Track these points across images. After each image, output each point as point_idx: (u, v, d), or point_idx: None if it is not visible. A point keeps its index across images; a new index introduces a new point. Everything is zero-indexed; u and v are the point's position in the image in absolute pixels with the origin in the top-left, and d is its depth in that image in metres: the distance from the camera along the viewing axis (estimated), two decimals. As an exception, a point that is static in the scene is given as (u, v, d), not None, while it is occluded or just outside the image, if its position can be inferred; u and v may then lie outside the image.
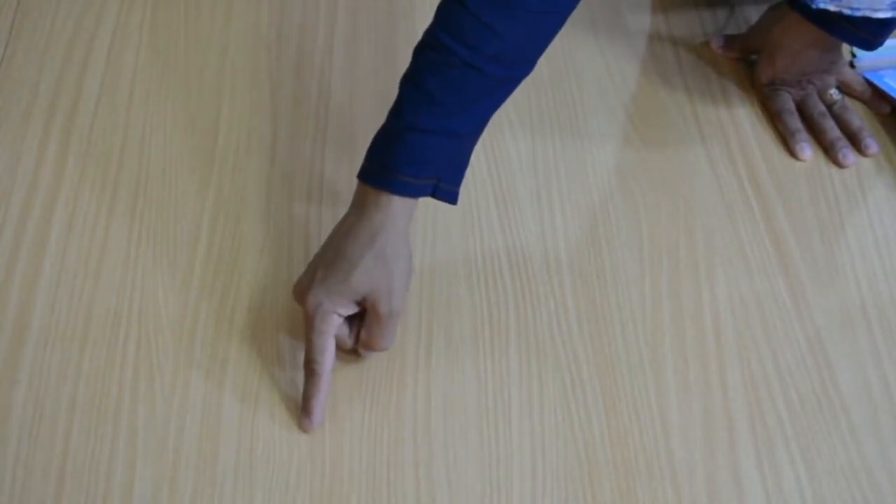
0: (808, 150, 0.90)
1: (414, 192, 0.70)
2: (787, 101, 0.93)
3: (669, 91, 0.95)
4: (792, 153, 0.91)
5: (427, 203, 0.84)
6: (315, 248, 0.81)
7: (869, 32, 0.85)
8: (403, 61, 0.90)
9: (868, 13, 0.81)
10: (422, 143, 0.69)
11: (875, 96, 0.95)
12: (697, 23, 1.02)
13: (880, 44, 0.87)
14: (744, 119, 0.94)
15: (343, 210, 0.83)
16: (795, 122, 0.92)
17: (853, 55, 1.00)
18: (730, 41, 0.99)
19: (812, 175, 0.89)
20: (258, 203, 0.84)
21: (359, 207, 0.71)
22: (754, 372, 0.76)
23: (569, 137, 0.90)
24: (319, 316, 0.69)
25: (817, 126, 0.92)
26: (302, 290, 0.71)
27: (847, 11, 0.81)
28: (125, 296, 0.77)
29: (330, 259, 0.70)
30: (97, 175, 0.85)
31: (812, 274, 0.82)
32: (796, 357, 0.77)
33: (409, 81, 0.71)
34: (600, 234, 0.84)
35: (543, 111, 0.92)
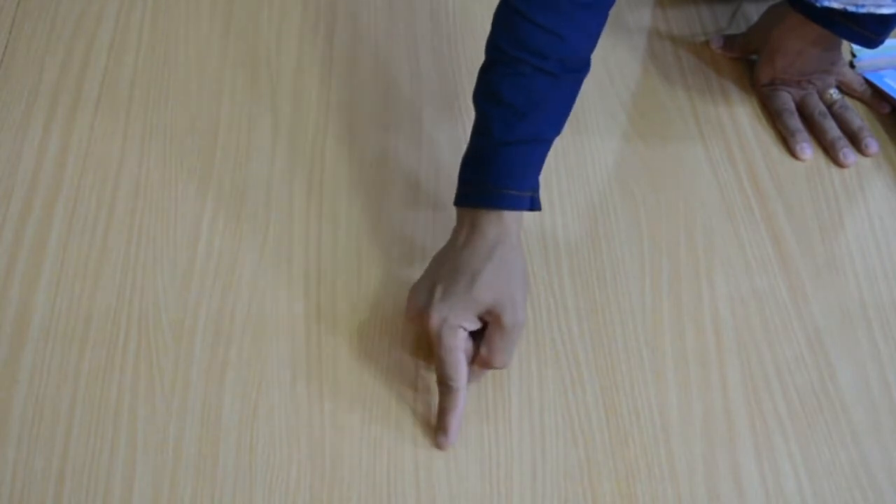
0: (808, 150, 0.90)
1: (520, 205, 0.71)
2: (787, 101, 0.93)
3: (669, 91, 0.95)
4: (792, 153, 0.91)
5: (427, 203, 0.84)
6: (315, 247, 0.81)
7: (871, 30, 0.85)
8: (403, 61, 0.90)
9: (872, 9, 0.80)
10: (519, 155, 0.71)
11: (875, 96, 0.95)
12: (697, 22, 1.02)
13: (881, 42, 0.87)
14: (744, 119, 0.94)
15: (342, 209, 0.84)
16: (795, 122, 0.92)
17: (853, 55, 1.00)
18: (729, 41, 0.99)
19: (812, 175, 0.89)
20: (259, 203, 0.84)
21: (469, 227, 0.71)
22: (754, 372, 0.76)
23: (569, 137, 0.89)
24: (446, 332, 0.68)
25: (817, 126, 0.92)
26: (420, 310, 0.70)
27: (851, 8, 0.81)
28: (125, 296, 0.77)
29: (447, 275, 0.70)
30: (97, 175, 0.85)
31: (812, 273, 0.82)
32: (796, 357, 0.77)
33: (488, 98, 0.72)
34: (600, 234, 0.84)
35: (543, 111, 0.92)
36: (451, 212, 0.84)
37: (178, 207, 0.83)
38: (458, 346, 0.69)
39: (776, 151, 0.91)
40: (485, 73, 0.74)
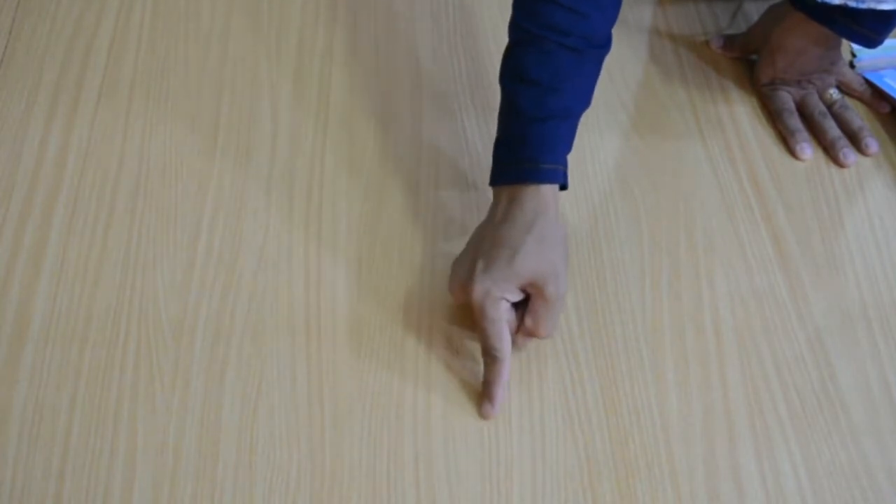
0: (808, 150, 0.90)
1: (556, 178, 0.73)
2: (787, 101, 0.93)
3: (669, 90, 0.95)
4: (792, 153, 0.91)
5: (427, 203, 0.85)
6: (314, 247, 0.81)
7: (871, 28, 0.85)
8: (403, 61, 0.90)
9: (873, 4, 0.80)
10: (551, 129, 0.74)
11: (875, 96, 0.95)
12: (697, 21, 1.02)
13: (881, 41, 0.87)
14: (744, 118, 0.94)
15: (341, 209, 0.84)
16: (795, 122, 0.92)
17: (853, 55, 1.00)
18: (729, 41, 0.99)
19: (812, 175, 0.89)
20: (258, 203, 0.84)
21: (507, 202, 0.73)
22: (754, 371, 0.76)
23: (569, 137, 0.89)
24: (490, 304, 0.70)
25: (817, 126, 0.92)
26: (463, 283, 0.72)
27: (852, 4, 0.81)
28: (125, 296, 0.77)
29: (488, 249, 0.71)
30: (97, 175, 0.85)
31: (812, 273, 0.82)
32: (796, 356, 0.77)
33: (514, 78, 0.75)
34: (600, 233, 0.84)
35: (543, 111, 0.92)
36: (451, 212, 0.84)
37: (178, 207, 0.83)
38: (501, 318, 0.70)
39: (776, 151, 0.91)
40: (509, 54, 0.76)
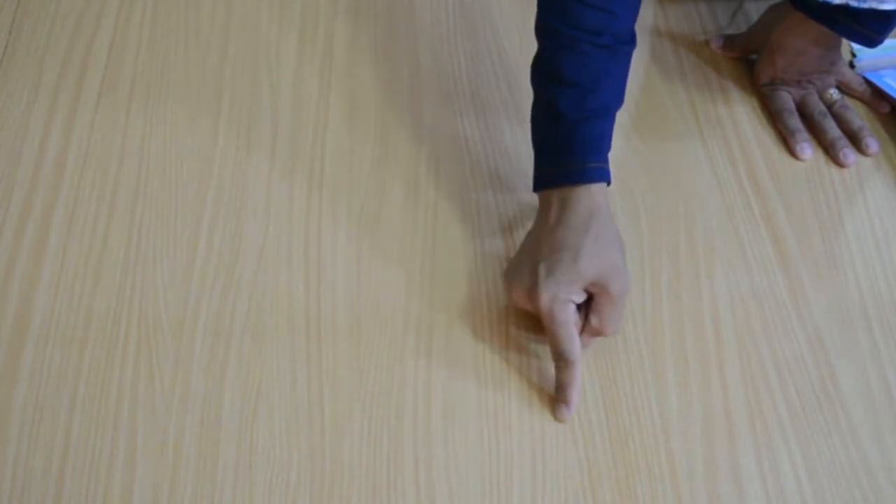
0: (808, 150, 0.90)
1: (604, 176, 0.74)
2: (787, 101, 0.93)
3: (669, 90, 0.95)
4: (792, 153, 0.91)
5: (426, 203, 0.84)
6: (315, 247, 0.81)
7: (871, 28, 0.85)
8: (403, 61, 0.90)
9: (874, 4, 0.80)
10: (594, 129, 0.75)
11: (875, 96, 0.95)
12: (697, 21, 1.02)
13: (881, 41, 0.87)
14: (744, 118, 0.94)
15: (341, 210, 0.84)
16: (795, 122, 0.92)
17: (853, 55, 1.00)
18: (729, 41, 0.99)
19: (812, 175, 0.89)
20: (258, 203, 0.84)
21: (559, 206, 0.73)
22: (754, 371, 0.76)
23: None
24: (558, 308, 0.70)
25: (817, 125, 0.92)
26: (528, 290, 0.72)
27: (854, 4, 0.81)
28: (125, 296, 0.77)
29: (548, 253, 0.72)
30: (97, 175, 0.85)
31: (812, 273, 0.82)
32: (796, 357, 0.77)
33: (551, 82, 0.76)
34: (600, 233, 0.84)
35: (543, 111, 0.92)
36: (451, 212, 0.84)
37: (178, 207, 0.83)
38: (569, 321, 0.71)
39: (776, 151, 0.91)
40: (541, 58, 0.77)
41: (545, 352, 0.75)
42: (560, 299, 0.70)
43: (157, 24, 0.98)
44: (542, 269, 0.71)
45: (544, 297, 0.70)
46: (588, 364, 0.75)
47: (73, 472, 0.68)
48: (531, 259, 0.73)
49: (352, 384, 0.73)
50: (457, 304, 0.78)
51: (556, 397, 0.72)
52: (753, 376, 0.75)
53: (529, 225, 0.83)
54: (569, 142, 0.74)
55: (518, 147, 0.89)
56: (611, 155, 0.76)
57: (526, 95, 0.93)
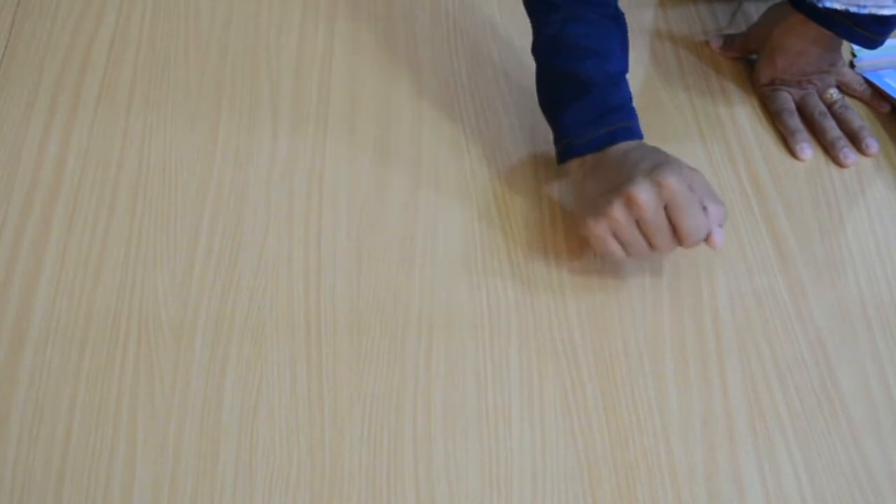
0: (808, 150, 0.90)
1: (638, 132, 0.78)
2: (787, 101, 0.93)
3: (669, 90, 0.95)
4: (792, 153, 0.91)
5: (427, 202, 0.84)
6: (314, 247, 0.81)
7: (872, 30, 0.85)
8: (404, 61, 0.90)
9: (874, 9, 0.80)
10: (621, 91, 0.79)
11: (875, 96, 0.95)
12: (697, 21, 1.02)
13: (881, 42, 0.87)
14: (744, 118, 0.94)
15: (341, 209, 0.84)
16: (795, 122, 0.92)
17: (853, 55, 1.00)
18: (729, 41, 0.99)
19: (812, 175, 0.89)
20: (259, 203, 0.84)
21: (594, 161, 0.77)
22: (754, 372, 0.76)
23: (569, 137, 0.89)
24: (648, 190, 0.71)
25: (818, 126, 0.92)
26: (629, 193, 0.72)
27: (854, 9, 0.81)
28: (125, 296, 0.77)
29: (608, 187, 0.73)
30: (97, 175, 0.85)
31: (812, 274, 0.82)
32: (796, 357, 0.77)
33: (569, 54, 0.79)
34: (600, 233, 0.83)
35: (543, 111, 0.92)
36: (451, 212, 0.84)
37: (178, 207, 0.83)
38: (658, 205, 0.72)
39: (776, 151, 0.91)
40: (548, 35, 0.81)
41: (545, 351, 0.75)
42: (650, 181, 0.71)
43: (157, 25, 0.98)
44: (611, 195, 0.72)
45: (640, 192, 0.71)
46: (588, 364, 0.75)
47: (73, 472, 0.68)
48: (594, 197, 0.74)
49: (352, 384, 0.73)
50: (457, 304, 0.78)
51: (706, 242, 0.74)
52: (753, 376, 0.75)
53: (530, 225, 0.83)
54: (604, 104, 0.78)
55: (518, 146, 0.89)
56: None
57: (526, 95, 0.93)
